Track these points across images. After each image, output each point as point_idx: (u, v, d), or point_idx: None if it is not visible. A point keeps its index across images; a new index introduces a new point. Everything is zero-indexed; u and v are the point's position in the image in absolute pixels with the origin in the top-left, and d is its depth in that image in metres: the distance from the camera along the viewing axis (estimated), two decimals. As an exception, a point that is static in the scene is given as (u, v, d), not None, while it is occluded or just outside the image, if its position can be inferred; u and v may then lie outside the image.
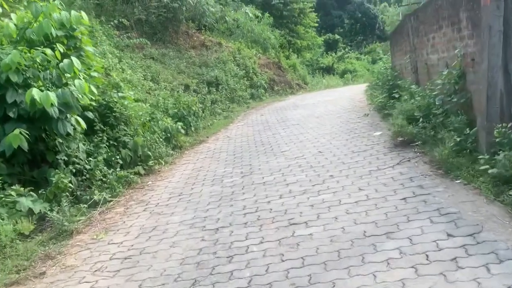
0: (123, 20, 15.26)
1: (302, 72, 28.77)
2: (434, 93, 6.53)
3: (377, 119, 9.68)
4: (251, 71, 21.08)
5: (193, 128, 11.55)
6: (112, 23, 14.53)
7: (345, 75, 36.03)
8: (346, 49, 48.30)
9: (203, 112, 13.20)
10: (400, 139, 6.78)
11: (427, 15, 7.43)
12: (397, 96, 9.11)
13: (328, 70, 36.52)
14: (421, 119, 6.60)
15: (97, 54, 10.34)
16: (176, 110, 11.03)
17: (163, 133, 8.82)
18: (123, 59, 13.10)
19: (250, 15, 23.89)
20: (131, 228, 5.13)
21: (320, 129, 9.72)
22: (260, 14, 24.85)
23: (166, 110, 10.89)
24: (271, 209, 4.92)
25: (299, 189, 5.50)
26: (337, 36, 50.73)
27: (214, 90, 16.88)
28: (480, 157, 4.74)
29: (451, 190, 4.56)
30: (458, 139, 5.19)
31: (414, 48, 8.68)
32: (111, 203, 6.23)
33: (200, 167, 7.73)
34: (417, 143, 6.42)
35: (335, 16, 60.80)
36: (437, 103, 6.47)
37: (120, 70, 11.63)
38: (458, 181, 4.74)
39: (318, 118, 11.57)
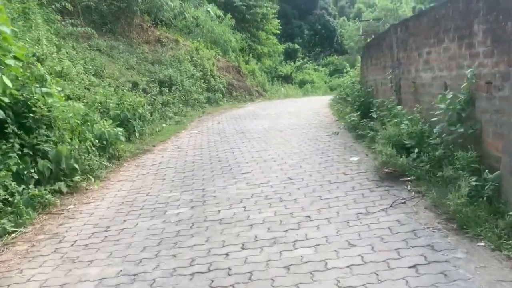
0: (67, 4, 13.33)
1: (262, 79, 27.61)
2: (433, 119, 5.37)
3: (349, 140, 8.53)
4: (209, 73, 19.61)
5: (137, 134, 9.92)
6: (53, 6, 12.58)
7: (305, 86, 35.37)
8: (305, 60, 47.91)
9: (151, 115, 11.57)
10: (386, 170, 5.60)
11: (422, 26, 6.34)
12: (375, 116, 7.98)
13: (286, 79, 35.71)
14: (415, 150, 5.44)
15: (24, 38, 8.60)
16: (118, 112, 9.37)
17: (98, 140, 7.16)
18: (63, 48, 11.24)
19: (212, 13, 22.43)
20: (27, 287, 3.53)
21: (286, 146, 8.42)
22: (222, 14, 23.41)
23: (106, 111, 9.20)
24: (229, 270, 3.48)
25: (268, 235, 4.11)
26: (296, 46, 50.34)
27: (167, 91, 15.25)
28: (510, 213, 3.58)
29: (476, 257, 3.34)
30: (474, 183, 4.02)
31: (399, 64, 7.60)
32: (14, 235, 4.58)
33: (139, 188, 6.16)
34: (409, 178, 5.25)
35: (295, 26, 60.56)
36: (435, 132, 5.33)
37: (57, 60, 9.82)
38: (482, 244, 3.54)
39: (282, 132, 10.29)
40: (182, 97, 16.22)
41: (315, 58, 53.29)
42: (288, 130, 10.56)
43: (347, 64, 16.89)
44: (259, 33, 30.80)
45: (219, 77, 20.12)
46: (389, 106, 7.16)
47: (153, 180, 6.57)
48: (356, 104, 10.52)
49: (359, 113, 9.61)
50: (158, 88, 14.98)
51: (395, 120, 6.25)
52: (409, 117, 6.14)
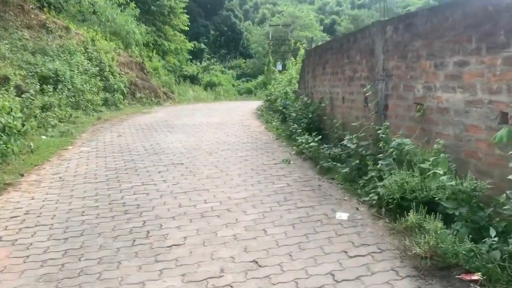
0: None
1: (168, 78, 24.42)
2: (493, 170, 3.22)
3: (310, 174, 6.17)
4: (107, 70, 16.11)
5: (-3, 155, 6.54)
6: None
7: (216, 89, 32.87)
8: (212, 60, 45.51)
9: (23, 125, 8.10)
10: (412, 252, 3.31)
11: (449, 24, 4.22)
12: (350, 145, 5.72)
13: (192, 79, 32.87)
14: (462, 221, 3.25)
15: None
16: (-39, 124, 5.95)
17: None
18: None
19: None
20: None
21: (225, 183, 5.79)
22: (124, 1, 19.81)
23: None
24: None
25: None
26: (202, 45, 47.82)
27: (51, 90, 11.64)
28: None
29: None
30: None
31: (385, 76, 5.44)
32: None
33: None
34: (475, 277, 3.02)
35: (201, 25, 57.79)
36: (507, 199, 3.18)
37: None
38: None
39: (212, 155, 7.62)
40: (71, 98, 12.67)
41: (220, 60, 51.09)
42: (218, 152, 7.92)
43: (275, 69, 14.81)
44: (166, 28, 27.51)
45: (119, 75, 16.68)
46: (382, 134, 4.92)
47: (7, 263, 3.50)
48: (303, 122, 8.28)
49: (309, 134, 7.37)
50: (38, 86, 11.32)
51: (422, 166, 3.98)
52: (435, 161, 3.92)
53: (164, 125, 11.27)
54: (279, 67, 41.41)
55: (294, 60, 14.77)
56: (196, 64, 38.42)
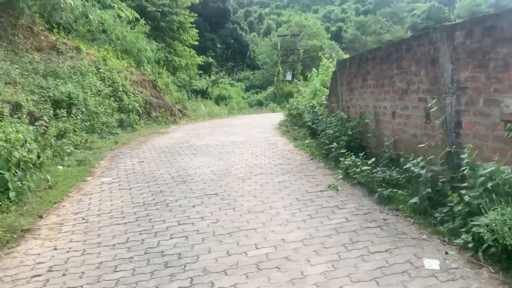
0: None
1: (180, 95, 23.79)
2: None
3: (367, 204, 5.35)
4: (121, 89, 15.48)
5: (12, 195, 5.82)
6: None
7: (226, 101, 32.39)
8: (221, 74, 45.08)
9: (39, 157, 7.42)
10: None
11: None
12: (418, 170, 4.89)
13: (202, 94, 32.29)
14: None
15: None
16: (-29, 163, 5.25)
17: None
18: None
19: (124, 15, 18.16)
20: None
21: (273, 220, 4.95)
22: (134, 18, 19.24)
23: None
24: None
25: None
26: (211, 59, 47.47)
27: (65, 114, 11.01)
28: None
29: None
30: None
31: (457, 88, 4.65)
32: None
33: None
34: None
35: (208, 39, 57.48)
36: None
37: None
38: None
39: (246, 182, 6.84)
40: (86, 122, 12.00)
41: (228, 73, 50.62)
42: (251, 177, 7.15)
43: (299, 82, 14.17)
44: (175, 44, 26.98)
45: (133, 94, 16.04)
46: (467, 159, 4.10)
47: None
48: (343, 139, 7.48)
49: (353, 153, 6.57)
50: (52, 111, 10.68)
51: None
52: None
53: (186, 147, 10.54)
54: (289, 77, 40.82)
55: (316, 71, 14.05)
56: (205, 78, 37.94)
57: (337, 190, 6.00)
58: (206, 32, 57.27)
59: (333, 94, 9.18)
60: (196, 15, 28.15)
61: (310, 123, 9.86)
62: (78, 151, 9.94)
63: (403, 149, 6.00)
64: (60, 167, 8.39)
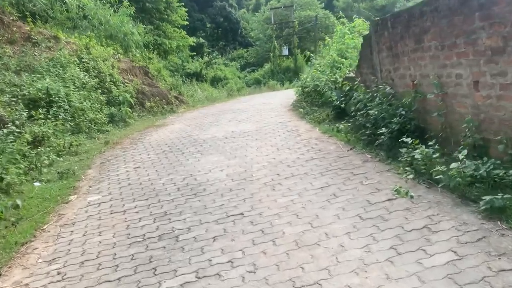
0: None
1: (174, 80, 21.75)
2: None
3: (469, 218, 3.60)
4: (108, 80, 13.55)
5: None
6: None
7: (222, 83, 30.41)
8: (214, 54, 42.81)
9: (1, 179, 5.63)
10: None
11: None
12: None
13: (196, 77, 30.22)
14: None
15: None
16: None
17: None
18: None
19: (103, -2, 16.03)
20: None
21: (339, 260, 3.17)
22: (116, 0, 17.10)
23: None
24: None
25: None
26: (202, 40, 45.11)
27: (42, 116, 9.15)
28: None
29: None
30: None
31: None
32: None
33: None
34: None
35: (196, 19, 54.84)
36: None
37: None
38: None
39: (276, 190, 5.03)
40: (69, 122, 10.14)
41: (220, 53, 48.35)
42: (282, 182, 5.36)
43: (312, 54, 12.36)
44: (164, 25, 24.78)
45: (123, 84, 14.11)
46: None
47: None
48: (393, 122, 5.67)
49: (415, 140, 4.80)
50: (25, 113, 8.82)
51: None
52: None
53: (189, 143, 8.71)
54: (286, 51, 38.62)
55: (328, 40, 12.14)
56: (197, 60, 35.80)
57: (412, 197, 4.24)
58: (194, 13, 54.59)
59: (366, 64, 7.32)
60: (183, -9, 25.87)
61: (337, 102, 8.04)
62: (61, 158, 8.13)
63: (495, 133, 4.24)
64: (36, 183, 6.60)
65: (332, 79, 9.22)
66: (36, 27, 13.95)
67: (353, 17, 12.11)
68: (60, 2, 16.29)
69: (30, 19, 14.15)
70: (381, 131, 5.74)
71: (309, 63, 19.31)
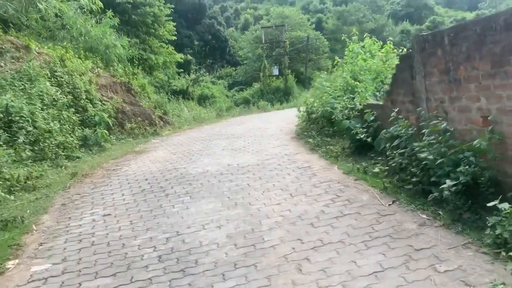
0: None
1: (159, 97, 20.02)
2: None
3: None
4: (84, 97, 11.81)
5: None
6: None
7: (209, 101, 28.89)
8: (201, 72, 41.38)
9: None
10: None
11: None
12: None
13: (183, 94, 28.59)
14: None
15: None
16: None
17: None
18: None
19: (85, 4, 14.36)
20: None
21: None
22: (99, 8, 15.46)
23: None
24: None
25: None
26: (189, 57, 43.71)
27: (-6, 140, 7.34)
28: None
29: None
30: None
31: None
32: None
33: None
34: None
35: (184, 36, 53.57)
36: None
37: None
38: None
39: (304, 272, 3.37)
40: (32, 146, 8.37)
41: (208, 70, 46.99)
42: (310, 256, 3.66)
43: (322, 76, 10.86)
44: (151, 40, 23.19)
45: (101, 102, 12.36)
46: None
47: None
48: (460, 172, 4.11)
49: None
50: (-29, 136, 7.04)
51: None
52: None
53: (175, 179, 6.99)
54: (276, 71, 37.36)
55: (338, 60, 10.66)
56: (184, 77, 34.27)
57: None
58: (182, 29, 53.31)
59: (403, 90, 5.81)
60: (173, 6, 24.37)
61: (363, 137, 6.48)
62: (12, 196, 6.35)
63: None
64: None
65: (350, 105, 7.69)
66: (6, 35, 12.24)
67: (365, 35, 10.72)
68: (35, 9, 14.58)
69: (0, 26, 12.46)
70: (434, 180, 4.19)
71: (311, 84, 17.91)
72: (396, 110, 5.63)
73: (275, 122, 14.07)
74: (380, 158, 6.02)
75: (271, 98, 33.60)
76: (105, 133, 11.07)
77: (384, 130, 5.83)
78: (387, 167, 5.45)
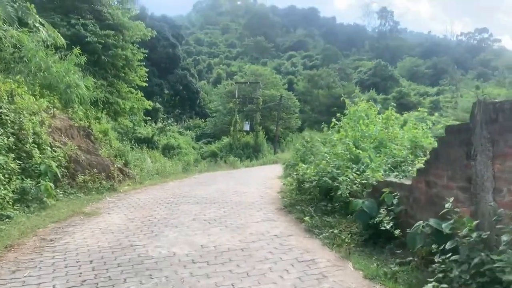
0: None
1: (122, 146, 18.01)
2: None
3: None
4: (31, 140, 9.81)
5: None
6: None
7: (175, 152, 27.16)
8: (169, 121, 39.86)
9: None
10: None
11: None
12: None
13: (147, 143, 26.71)
14: None
15: None
16: None
17: None
18: None
19: (46, 38, 12.71)
20: None
21: None
22: (62, 44, 13.81)
23: None
24: None
25: None
26: (158, 105, 42.34)
27: None
28: None
29: None
30: None
31: None
32: None
33: None
34: None
35: (155, 84, 52.46)
36: None
37: None
38: None
39: None
40: None
41: (175, 120, 45.57)
42: None
43: (318, 139, 9.27)
44: (120, 84, 21.55)
45: (51, 148, 10.37)
46: None
47: None
48: None
49: None
50: None
51: None
52: None
53: (130, 266, 5.07)
54: (247, 127, 36.35)
55: (334, 122, 9.35)
56: (151, 125, 32.55)
57: None
58: (154, 77, 52.23)
59: (450, 171, 4.38)
60: (147, 51, 23.05)
61: (388, 227, 4.93)
62: None
63: None
64: None
65: (361, 179, 6.22)
66: None
67: (362, 100, 9.57)
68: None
69: None
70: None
71: (281, 142, 16.68)
72: (450, 199, 4.14)
73: (253, 184, 12.44)
74: (411, 258, 4.47)
75: (240, 153, 32.27)
76: (50, 186, 9.00)
77: (422, 223, 4.32)
78: (435, 281, 3.84)
